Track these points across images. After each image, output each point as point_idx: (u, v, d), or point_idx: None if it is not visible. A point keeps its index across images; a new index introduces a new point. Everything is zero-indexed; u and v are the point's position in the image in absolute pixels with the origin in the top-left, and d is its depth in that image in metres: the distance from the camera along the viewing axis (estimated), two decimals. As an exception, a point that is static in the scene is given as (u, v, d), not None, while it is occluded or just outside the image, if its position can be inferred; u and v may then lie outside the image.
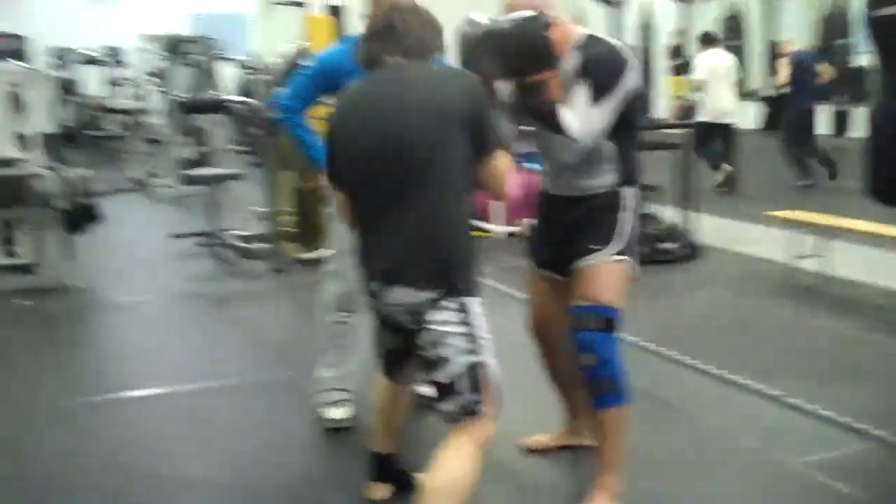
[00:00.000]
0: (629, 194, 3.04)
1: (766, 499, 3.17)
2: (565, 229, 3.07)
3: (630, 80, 2.92)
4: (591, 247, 2.97)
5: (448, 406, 2.55)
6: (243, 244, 6.64)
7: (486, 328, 2.57)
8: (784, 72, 10.17)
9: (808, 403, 3.84)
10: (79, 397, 4.15)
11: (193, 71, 10.77)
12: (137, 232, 8.03)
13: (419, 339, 2.55)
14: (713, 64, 9.74)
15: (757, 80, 16.71)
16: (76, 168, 6.82)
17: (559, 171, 3.09)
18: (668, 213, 6.88)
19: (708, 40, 10.11)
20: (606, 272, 2.96)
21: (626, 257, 2.99)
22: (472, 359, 2.53)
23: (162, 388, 4.27)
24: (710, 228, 7.16)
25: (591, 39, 2.97)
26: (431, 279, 2.51)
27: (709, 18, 16.13)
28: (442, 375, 2.54)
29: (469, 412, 2.53)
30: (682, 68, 15.54)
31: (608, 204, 3.02)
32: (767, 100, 16.06)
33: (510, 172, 2.64)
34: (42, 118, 6.54)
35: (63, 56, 14.97)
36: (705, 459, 3.48)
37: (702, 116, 9.65)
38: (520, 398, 3.75)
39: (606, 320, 2.93)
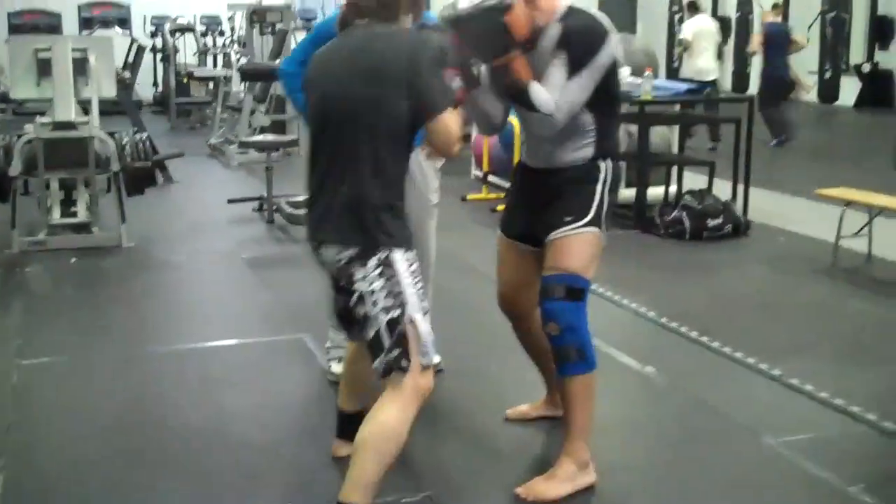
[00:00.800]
0: (606, 167, 3.04)
1: (736, 473, 3.15)
2: (541, 200, 3.06)
3: (609, 53, 2.92)
4: (566, 218, 2.97)
5: (376, 363, 2.60)
6: (292, 210, 6.78)
7: (412, 281, 2.60)
8: (757, 39, 11.26)
9: (805, 384, 3.77)
10: (95, 353, 4.33)
11: (273, 39, 10.98)
12: (203, 195, 8.25)
13: (350, 298, 2.61)
14: (698, 27, 10.82)
15: (859, 55, 16.01)
16: (142, 133, 7.08)
17: (538, 143, 3.08)
18: (722, 189, 6.73)
19: (693, 7, 11.36)
20: (577, 242, 2.96)
21: (596, 228, 2.99)
22: (393, 314, 2.56)
23: (180, 344, 4.44)
24: (762, 204, 6.96)
25: (571, 11, 2.98)
26: (351, 237, 2.58)
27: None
28: (368, 333, 2.60)
29: (393, 368, 2.58)
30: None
31: (585, 176, 3.02)
32: (863, 76, 15.45)
33: (457, 132, 2.63)
34: (108, 83, 6.79)
35: (160, 24, 15.37)
36: (691, 433, 3.47)
37: (685, 75, 10.55)
38: (510, 367, 3.80)
39: (574, 289, 2.93)
